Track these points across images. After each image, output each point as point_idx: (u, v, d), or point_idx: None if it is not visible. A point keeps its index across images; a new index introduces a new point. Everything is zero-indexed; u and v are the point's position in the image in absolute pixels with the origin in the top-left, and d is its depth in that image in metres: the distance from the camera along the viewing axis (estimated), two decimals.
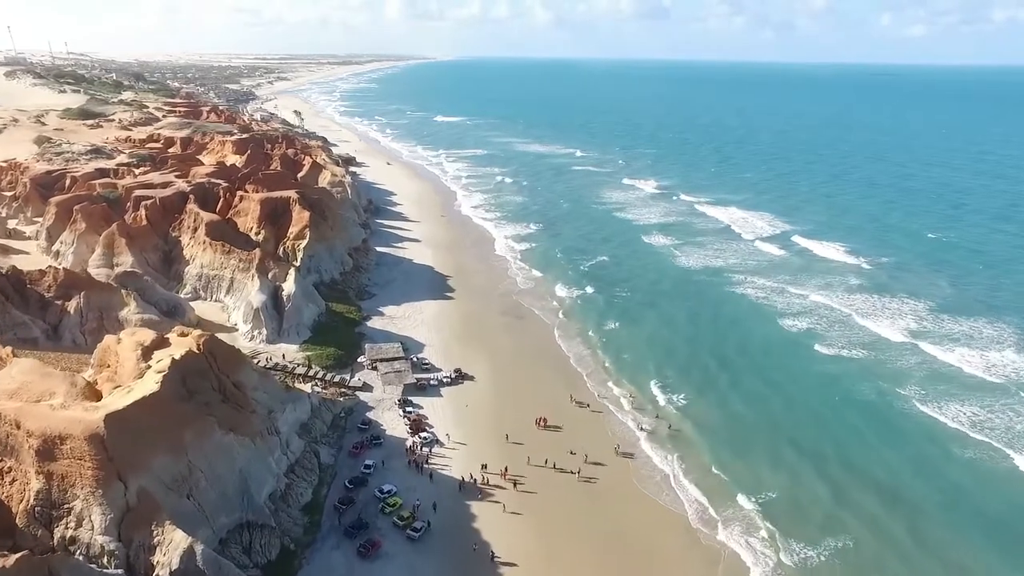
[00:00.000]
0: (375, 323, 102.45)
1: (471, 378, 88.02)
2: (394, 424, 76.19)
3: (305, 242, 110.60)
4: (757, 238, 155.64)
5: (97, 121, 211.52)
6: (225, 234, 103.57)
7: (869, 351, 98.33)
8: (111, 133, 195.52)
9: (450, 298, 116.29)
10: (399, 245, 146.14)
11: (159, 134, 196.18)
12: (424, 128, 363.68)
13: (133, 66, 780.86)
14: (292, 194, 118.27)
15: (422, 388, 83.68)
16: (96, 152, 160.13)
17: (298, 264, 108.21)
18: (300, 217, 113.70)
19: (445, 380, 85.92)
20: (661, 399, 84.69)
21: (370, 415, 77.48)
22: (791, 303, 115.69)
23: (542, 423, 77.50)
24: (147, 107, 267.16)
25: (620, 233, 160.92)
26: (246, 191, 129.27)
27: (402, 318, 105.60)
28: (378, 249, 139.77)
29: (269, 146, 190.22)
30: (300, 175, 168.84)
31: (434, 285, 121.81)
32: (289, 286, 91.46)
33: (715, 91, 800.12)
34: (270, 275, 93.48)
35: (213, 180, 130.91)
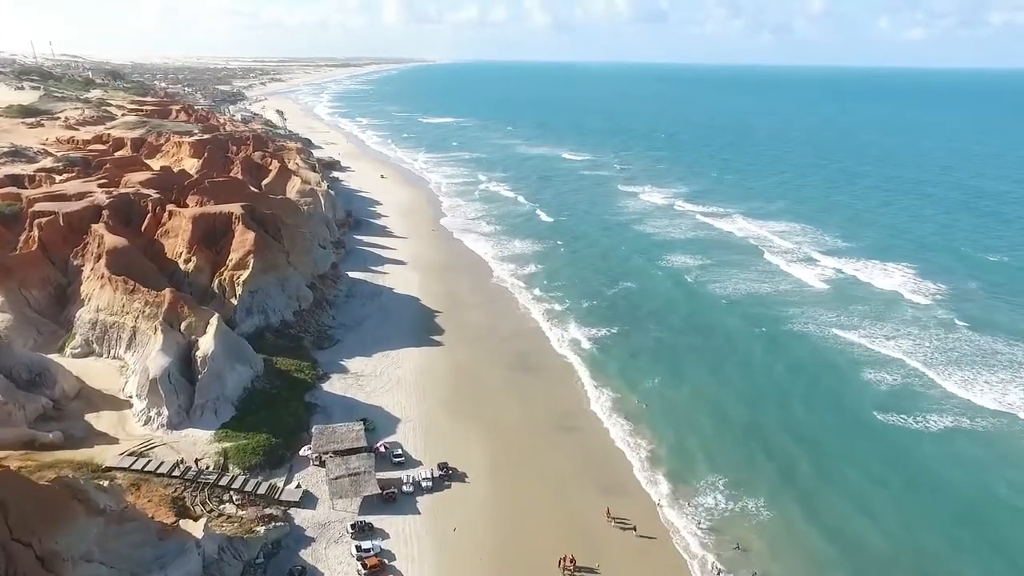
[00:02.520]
0: (334, 385, 76.01)
1: (462, 477, 61.74)
2: (342, 574, 49.82)
3: (247, 273, 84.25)
4: (784, 259, 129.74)
5: (39, 119, 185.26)
6: (133, 264, 77.23)
7: (964, 426, 72.68)
8: (53, 133, 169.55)
9: (438, 343, 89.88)
10: (379, 269, 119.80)
11: (108, 134, 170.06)
12: (417, 131, 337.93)
13: (126, 67, 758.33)
14: (235, 209, 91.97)
15: (390, 500, 57.36)
16: (15, 155, 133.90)
17: (236, 302, 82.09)
18: (243, 239, 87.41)
19: (425, 484, 59.56)
20: (729, 507, 59.23)
21: (305, 555, 50.96)
22: (847, 351, 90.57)
23: (569, 565, 51.15)
24: (110, 105, 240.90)
25: (635, 251, 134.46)
26: (185, 204, 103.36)
27: (372, 376, 79.16)
28: (352, 275, 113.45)
29: (234, 148, 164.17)
30: (265, 182, 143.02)
31: (418, 324, 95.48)
32: (207, 343, 65.12)
33: (714, 94, 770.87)
34: (183, 326, 67.21)
35: (144, 190, 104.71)
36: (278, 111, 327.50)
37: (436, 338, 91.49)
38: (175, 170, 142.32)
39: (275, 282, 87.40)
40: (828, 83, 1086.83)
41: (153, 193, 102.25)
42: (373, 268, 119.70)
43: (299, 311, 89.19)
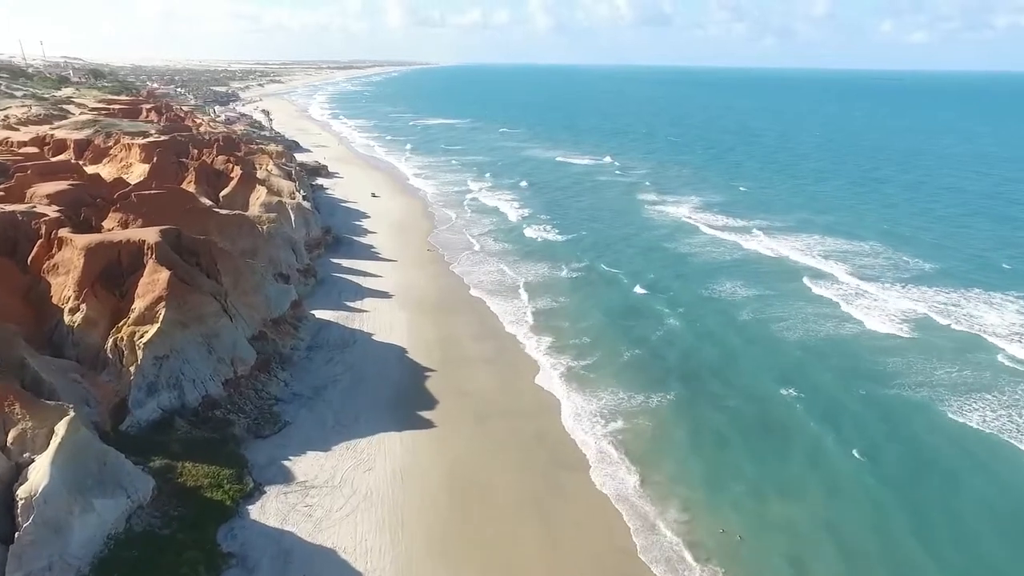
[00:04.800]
0: (267, 509, 50.61)
1: None
2: None
3: (153, 329, 59.10)
4: (833, 289, 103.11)
5: None
6: None
7: None
8: None
9: (427, 424, 64.52)
10: (357, 305, 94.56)
11: (51, 136, 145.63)
12: (415, 133, 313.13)
13: (125, 69, 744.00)
14: (149, 236, 66.70)
15: None
16: None
17: (132, 376, 56.89)
18: (153, 280, 62.27)
19: None
20: None
21: None
22: (954, 436, 64.15)
23: None
24: (70, 103, 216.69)
25: (657, 280, 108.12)
26: (99, 227, 78.87)
27: (327, 488, 53.81)
28: (320, 315, 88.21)
29: (195, 152, 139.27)
30: (223, 193, 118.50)
31: (402, 393, 70.06)
32: (40, 471, 39.84)
33: (717, 96, 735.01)
34: (10, 437, 41.94)
35: (42, 208, 79.78)
36: (264, 111, 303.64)
37: (425, 415, 66.11)
38: (112, 178, 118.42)
39: (198, 341, 62.16)
40: (832, 85, 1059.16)
41: (52, 212, 77.27)
42: (349, 304, 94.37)
43: (233, 379, 63.89)
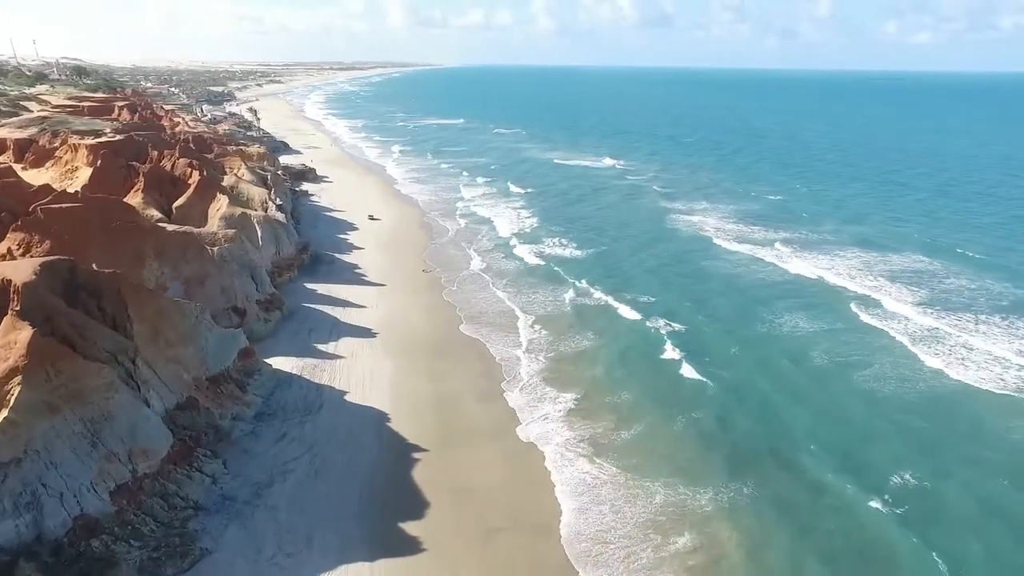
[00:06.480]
0: None
1: None
2: None
3: None
4: (913, 332, 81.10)
5: None
6: None
7: None
8: None
9: (413, 548, 44.69)
10: (330, 348, 74.92)
11: None
12: (413, 135, 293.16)
13: (125, 70, 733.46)
14: (17, 275, 47.21)
15: None
16: None
17: None
18: (8, 343, 42.77)
19: None
20: None
21: None
22: None
23: None
24: (31, 99, 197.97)
25: (692, 307, 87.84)
26: None
27: None
28: (280, 365, 68.52)
29: (154, 154, 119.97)
30: (177, 204, 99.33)
31: (377, 492, 50.23)
32: None
33: (719, 96, 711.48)
34: None
35: None
36: (251, 110, 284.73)
37: (409, 531, 46.43)
38: (56, 184, 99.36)
39: (75, 431, 42.60)
40: (835, 86, 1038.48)
41: None
42: (320, 347, 74.75)
43: (131, 483, 44.37)
